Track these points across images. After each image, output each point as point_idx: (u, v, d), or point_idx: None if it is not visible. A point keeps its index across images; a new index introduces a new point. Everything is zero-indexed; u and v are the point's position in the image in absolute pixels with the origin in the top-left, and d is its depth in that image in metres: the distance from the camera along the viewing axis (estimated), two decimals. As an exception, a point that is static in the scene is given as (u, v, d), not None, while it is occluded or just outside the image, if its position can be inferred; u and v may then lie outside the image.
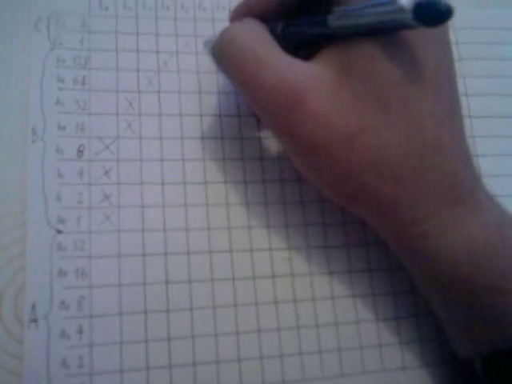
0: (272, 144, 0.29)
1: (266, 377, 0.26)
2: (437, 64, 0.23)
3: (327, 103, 0.23)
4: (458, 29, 0.33)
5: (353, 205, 0.25)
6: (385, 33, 0.22)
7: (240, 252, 0.27)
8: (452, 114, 0.24)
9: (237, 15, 0.26)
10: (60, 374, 0.24)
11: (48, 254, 0.25)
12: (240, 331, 0.26)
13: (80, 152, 0.27)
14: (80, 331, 0.25)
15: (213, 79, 0.30)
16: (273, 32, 0.25)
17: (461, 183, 0.23)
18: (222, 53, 0.25)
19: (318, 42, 0.24)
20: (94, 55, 0.29)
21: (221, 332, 0.26)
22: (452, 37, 0.31)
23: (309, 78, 0.23)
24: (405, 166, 0.22)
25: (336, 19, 0.23)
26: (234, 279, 0.27)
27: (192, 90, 0.29)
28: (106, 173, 0.27)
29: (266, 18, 0.25)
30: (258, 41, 0.24)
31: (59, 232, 0.26)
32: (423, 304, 0.27)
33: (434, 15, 0.20)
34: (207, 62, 0.30)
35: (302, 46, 0.25)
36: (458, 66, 0.26)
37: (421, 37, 0.23)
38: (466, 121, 0.30)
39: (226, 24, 0.28)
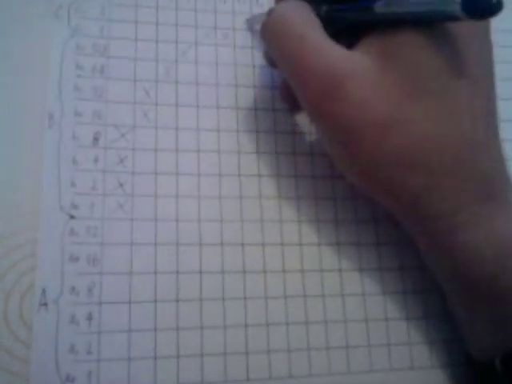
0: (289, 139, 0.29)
1: (273, 371, 0.26)
2: (478, 59, 0.23)
3: (368, 90, 0.22)
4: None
5: (382, 196, 0.25)
6: (429, 23, 0.22)
7: (251, 246, 0.27)
8: (488, 110, 0.24)
9: None
10: (68, 359, 0.24)
11: (60, 239, 0.25)
12: (249, 324, 0.26)
13: (96, 139, 0.27)
14: (89, 317, 0.25)
15: (231, 71, 0.30)
16: (316, 14, 0.25)
17: (493, 180, 0.23)
18: (268, 31, 0.25)
19: (360, 30, 0.24)
20: (113, 43, 0.29)
21: (230, 324, 0.26)
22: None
23: (351, 64, 0.23)
24: (439, 159, 0.22)
25: (384, 6, 0.23)
26: (244, 272, 0.27)
27: (209, 81, 0.29)
28: (121, 161, 0.27)
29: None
30: (303, 20, 0.24)
31: (72, 217, 0.26)
32: (434, 304, 0.27)
33: (483, 8, 0.20)
34: (226, 54, 0.30)
35: (343, 33, 0.25)
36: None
37: (464, 30, 0.23)
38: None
39: (247, 16, 0.28)
